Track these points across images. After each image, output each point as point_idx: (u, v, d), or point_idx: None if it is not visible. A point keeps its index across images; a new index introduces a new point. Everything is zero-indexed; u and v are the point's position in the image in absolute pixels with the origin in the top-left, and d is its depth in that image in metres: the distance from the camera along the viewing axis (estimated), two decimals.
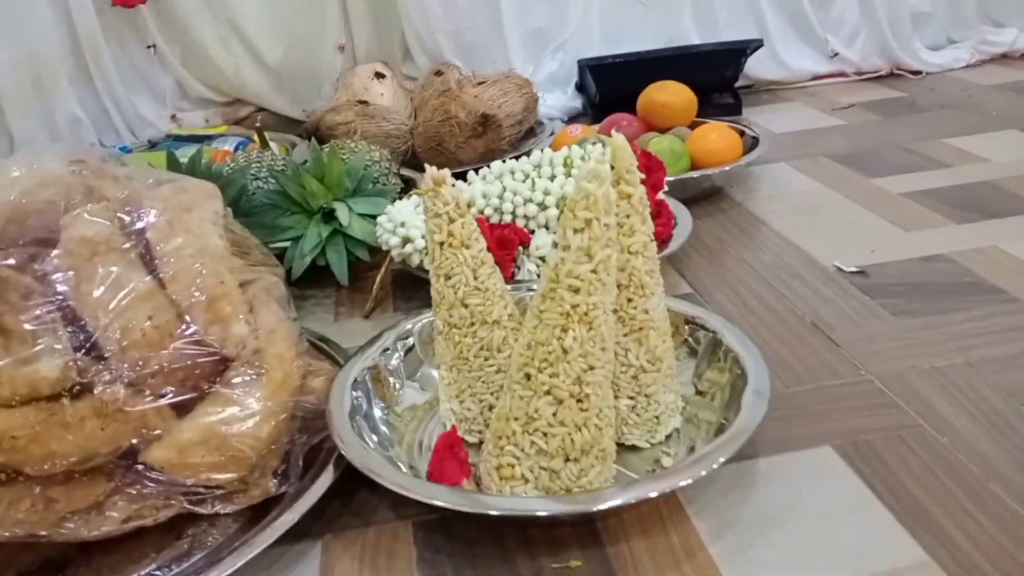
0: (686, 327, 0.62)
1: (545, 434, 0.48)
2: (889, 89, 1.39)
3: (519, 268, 0.71)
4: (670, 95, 1.05)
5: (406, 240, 0.71)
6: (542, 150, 0.78)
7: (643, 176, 0.53)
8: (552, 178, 0.74)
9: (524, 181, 0.74)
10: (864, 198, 0.93)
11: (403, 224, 0.72)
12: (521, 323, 0.57)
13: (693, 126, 1.07)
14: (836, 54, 1.44)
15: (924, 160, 1.04)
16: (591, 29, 1.43)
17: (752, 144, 1.00)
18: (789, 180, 1.01)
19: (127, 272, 0.47)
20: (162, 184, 0.54)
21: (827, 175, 1.01)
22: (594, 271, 0.45)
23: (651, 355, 0.54)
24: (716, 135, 0.95)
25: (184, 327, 0.48)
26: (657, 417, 0.55)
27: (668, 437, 0.56)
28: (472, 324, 0.54)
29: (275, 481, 0.52)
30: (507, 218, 0.72)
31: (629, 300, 0.52)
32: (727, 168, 0.93)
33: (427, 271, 0.71)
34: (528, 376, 0.48)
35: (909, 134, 1.14)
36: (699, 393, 0.59)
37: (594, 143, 0.78)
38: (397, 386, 0.62)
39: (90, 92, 1.31)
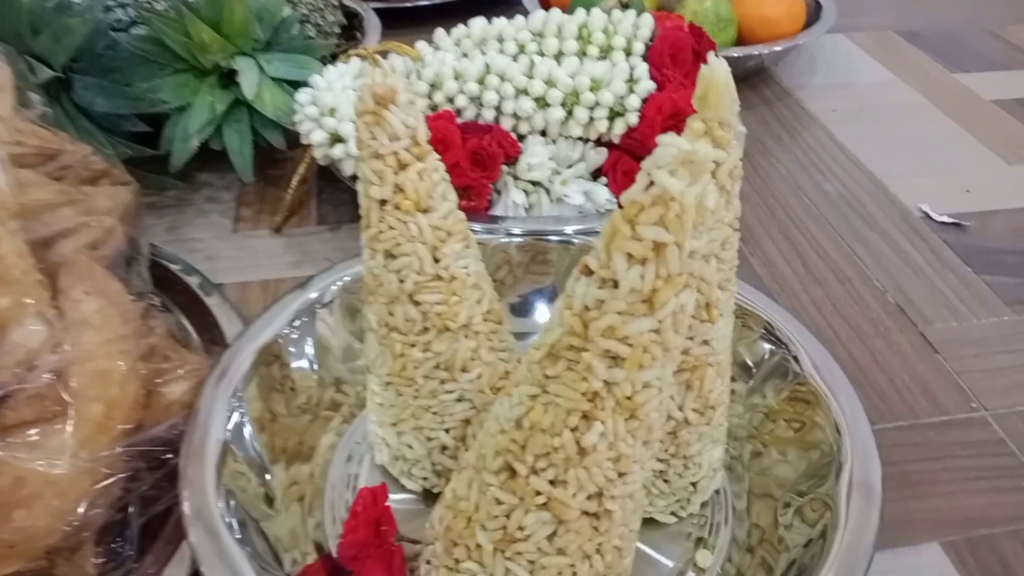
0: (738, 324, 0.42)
1: (532, 562, 0.29)
2: None
3: (499, 195, 0.49)
4: None
5: (336, 139, 0.49)
6: (547, 8, 0.54)
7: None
8: (559, 56, 0.51)
9: (516, 58, 0.51)
10: (949, 103, 0.71)
11: (333, 112, 0.49)
12: (501, 322, 0.37)
13: None
14: None
15: (1015, 53, 0.81)
16: None
17: (815, 9, 0.76)
18: (852, 64, 0.78)
19: None
20: None
21: (899, 62, 0.79)
22: (656, 331, 0.25)
23: (702, 402, 0.34)
24: None
25: None
26: (694, 484, 0.37)
27: (704, 504, 0.38)
28: (425, 330, 0.34)
29: (98, 562, 0.33)
30: (488, 116, 0.50)
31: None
32: (786, 45, 0.70)
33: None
34: (512, 472, 0.28)
35: (995, 12, 0.90)
36: (749, 435, 0.40)
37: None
38: (305, 374, 0.42)
39: None
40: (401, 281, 0.33)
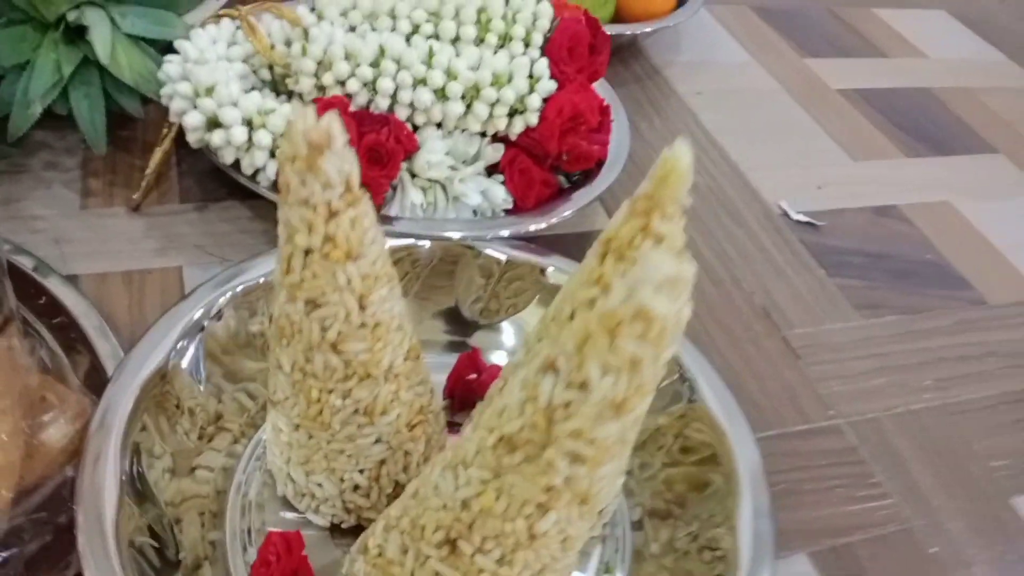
0: None
1: None
2: None
3: (395, 192, 0.47)
4: None
5: (214, 123, 0.44)
6: None
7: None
8: (455, 41, 0.49)
9: (410, 40, 0.48)
10: (800, 90, 0.75)
11: (210, 91, 0.44)
12: (419, 357, 0.36)
13: None
14: None
15: (856, 39, 0.86)
16: None
17: None
18: (715, 42, 0.80)
19: None
20: None
21: (755, 42, 0.81)
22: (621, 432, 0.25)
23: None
24: None
25: None
26: (599, 512, 0.38)
27: (604, 524, 0.40)
28: (346, 378, 0.32)
29: None
30: (382, 104, 0.47)
31: None
32: (661, 25, 0.71)
33: (251, 177, 0.46)
34: (454, 546, 0.28)
35: None
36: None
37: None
38: (194, 394, 0.38)
39: None
40: (324, 330, 0.31)
